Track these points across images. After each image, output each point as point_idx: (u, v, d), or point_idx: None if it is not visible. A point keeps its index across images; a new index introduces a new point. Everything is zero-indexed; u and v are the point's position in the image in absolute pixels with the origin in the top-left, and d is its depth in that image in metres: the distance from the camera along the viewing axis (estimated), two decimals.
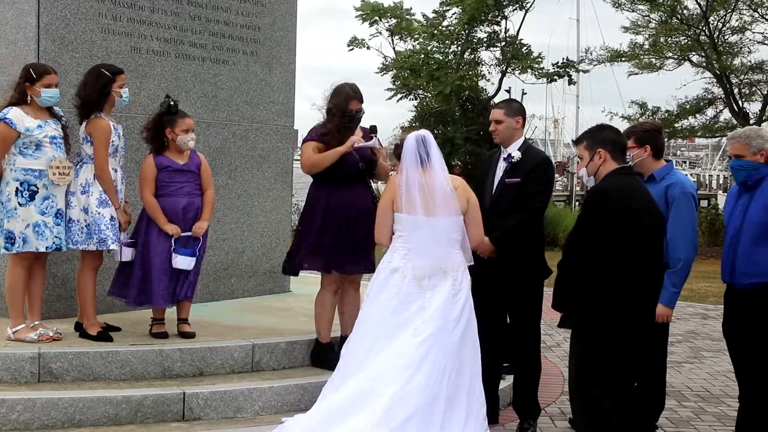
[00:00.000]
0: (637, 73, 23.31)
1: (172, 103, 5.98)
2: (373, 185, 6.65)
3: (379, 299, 4.98)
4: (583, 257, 4.47)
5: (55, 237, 5.63)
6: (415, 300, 4.91)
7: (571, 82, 24.26)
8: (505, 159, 5.67)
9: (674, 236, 5.17)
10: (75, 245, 5.77)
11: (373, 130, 5.99)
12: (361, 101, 5.93)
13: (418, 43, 23.68)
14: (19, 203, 5.53)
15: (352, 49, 24.08)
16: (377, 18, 23.19)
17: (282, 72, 8.08)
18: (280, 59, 8.06)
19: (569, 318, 4.65)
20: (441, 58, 22.51)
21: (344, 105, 5.83)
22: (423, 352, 4.75)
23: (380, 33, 23.73)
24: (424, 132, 5.11)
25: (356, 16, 23.34)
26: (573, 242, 4.57)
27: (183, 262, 5.89)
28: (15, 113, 5.54)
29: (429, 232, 4.93)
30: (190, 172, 6.04)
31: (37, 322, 5.73)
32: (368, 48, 23.93)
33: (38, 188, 5.58)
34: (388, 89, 23.31)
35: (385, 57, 24.17)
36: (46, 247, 5.61)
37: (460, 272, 5.03)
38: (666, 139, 7.66)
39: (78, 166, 5.81)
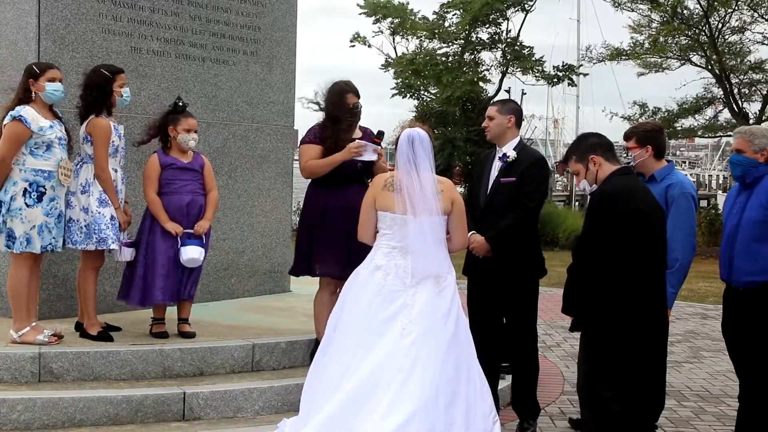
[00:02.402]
0: (644, 73, 23.35)
1: (180, 103, 6.05)
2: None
3: (363, 297, 4.93)
4: (593, 260, 4.46)
5: (52, 238, 5.61)
6: (398, 297, 4.87)
7: (571, 84, 24.29)
8: (500, 158, 5.66)
9: (672, 236, 5.16)
10: (75, 245, 5.77)
11: (380, 135, 5.98)
12: (358, 96, 5.92)
13: (419, 41, 23.70)
14: (26, 204, 5.48)
15: (354, 45, 24.11)
16: (381, 16, 23.21)
17: (282, 72, 8.09)
18: (280, 59, 8.06)
19: (580, 321, 4.65)
20: (444, 59, 22.53)
21: (341, 102, 5.84)
22: (414, 355, 4.72)
23: (382, 31, 23.76)
24: (415, 131, 4.96)
25: (360, 14, 23.39)
26: (582, 246, 4.56)
27: (193, 251, 5.84)
28: (28, 112, 5.47)
29: (415, 231, 4.89)
30: (194, 170, 6.06)
31: (35, 324, 5.71)
32: (369, 46, 23.97)
33: (46, 189, 5.54)
34: (393, 88, 23.39)
35: (387, 55, 24.23)
36: (42, 247, 5.57)
37: (445, 271, 5.00)
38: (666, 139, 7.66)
39: (78, 166, 5.80)
